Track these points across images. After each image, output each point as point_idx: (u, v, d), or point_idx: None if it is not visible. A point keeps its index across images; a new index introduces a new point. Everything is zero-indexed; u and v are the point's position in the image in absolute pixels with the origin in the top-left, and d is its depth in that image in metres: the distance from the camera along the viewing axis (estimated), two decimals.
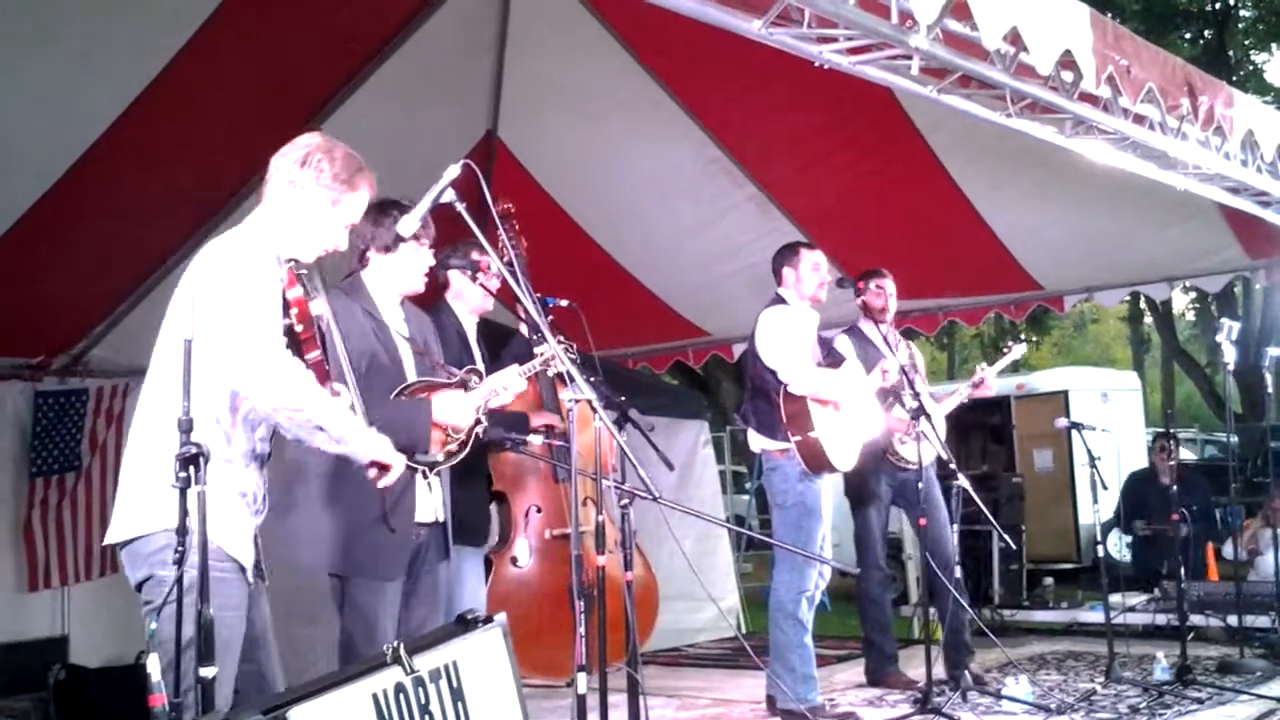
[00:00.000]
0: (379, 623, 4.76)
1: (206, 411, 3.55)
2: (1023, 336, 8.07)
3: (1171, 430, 9.63)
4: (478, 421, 5.03)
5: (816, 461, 6.57)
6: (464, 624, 3.49)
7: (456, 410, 4.96)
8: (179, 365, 3.46)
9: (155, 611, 3.51)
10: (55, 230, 6.92)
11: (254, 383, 3.57)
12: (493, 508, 6.33)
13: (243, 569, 3.66)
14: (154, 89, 6.31)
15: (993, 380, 7.81)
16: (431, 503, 5.00)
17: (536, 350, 5.31)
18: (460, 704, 3.27)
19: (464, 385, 5.10)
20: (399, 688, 3.09)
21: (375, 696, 3.01)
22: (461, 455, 5.03)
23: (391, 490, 4.44)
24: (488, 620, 3.52)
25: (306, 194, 3.77)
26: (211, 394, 3.59)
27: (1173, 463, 8.70)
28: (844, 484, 7.49)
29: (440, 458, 4.95)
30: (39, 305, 7.57)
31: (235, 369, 3.57)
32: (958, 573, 7.07)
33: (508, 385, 5.15)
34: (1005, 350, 8.12)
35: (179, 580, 3.35)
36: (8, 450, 8.19)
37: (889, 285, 7.51)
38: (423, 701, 3.15)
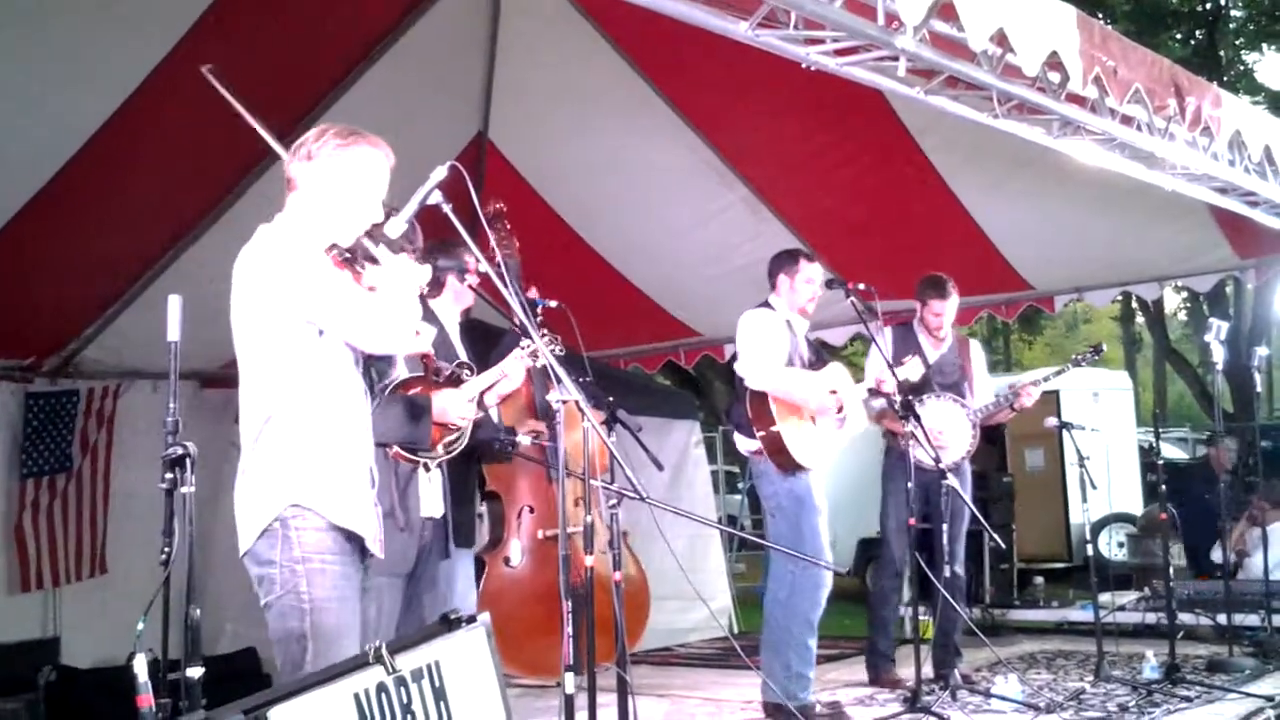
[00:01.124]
0: (386, 620, 4.78)
1: (308, 388, 3.65)
2: (1105, 349, 7.99)
3: (1161, 430, 9.63)
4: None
5: (780, 456, 6.58)
6: (447, 623, 3.49)
7: (456, 408, 5.02)
8: (251, 370, 3.65)
9: (265, 609, 3.61)
10: (45, 232, 6.92)
11: (357, 331, 3.69)
12: (485, 508, 6.35)
13: (354, 541, 3.71)
14: (142, 92, 6.31)
15: (1035, 394, 7.83)
16: (433, 496, 5.04)
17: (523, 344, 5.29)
18: (443, 704, 3.27)
19: (457, 380, 5.13)
20: (380, 687, 3.09)
21: (357, 696, 3.01)
22: (460, 446, 5.07)
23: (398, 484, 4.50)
24: (471, 620, 3.52)
25: (311, 179, 3.79)
26: (314, 369, 3.67)
27: (1227, 462, 8.70)
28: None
29: (440, 450, 5.00)
30: (29, 306, 7.57)
31: (340, 330, 3.68)
32: (947, 573, 7.07)
33: (509, 372, 5.18)
34: (1079, 357, 8.08)
35: (166, 581, 3.37)
36: None
37: (945, 306, 7.66)
38: (405, 701, 3.14)
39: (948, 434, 7.42)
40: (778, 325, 6.80)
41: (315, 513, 3.59)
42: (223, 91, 4.15)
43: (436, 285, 5.61)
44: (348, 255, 3.75)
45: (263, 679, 8.17)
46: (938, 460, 6.69)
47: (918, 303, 7.71)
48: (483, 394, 5.18)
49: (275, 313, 3.62)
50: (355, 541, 3.71)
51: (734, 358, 6.99)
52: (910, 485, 6.76)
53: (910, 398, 6.82)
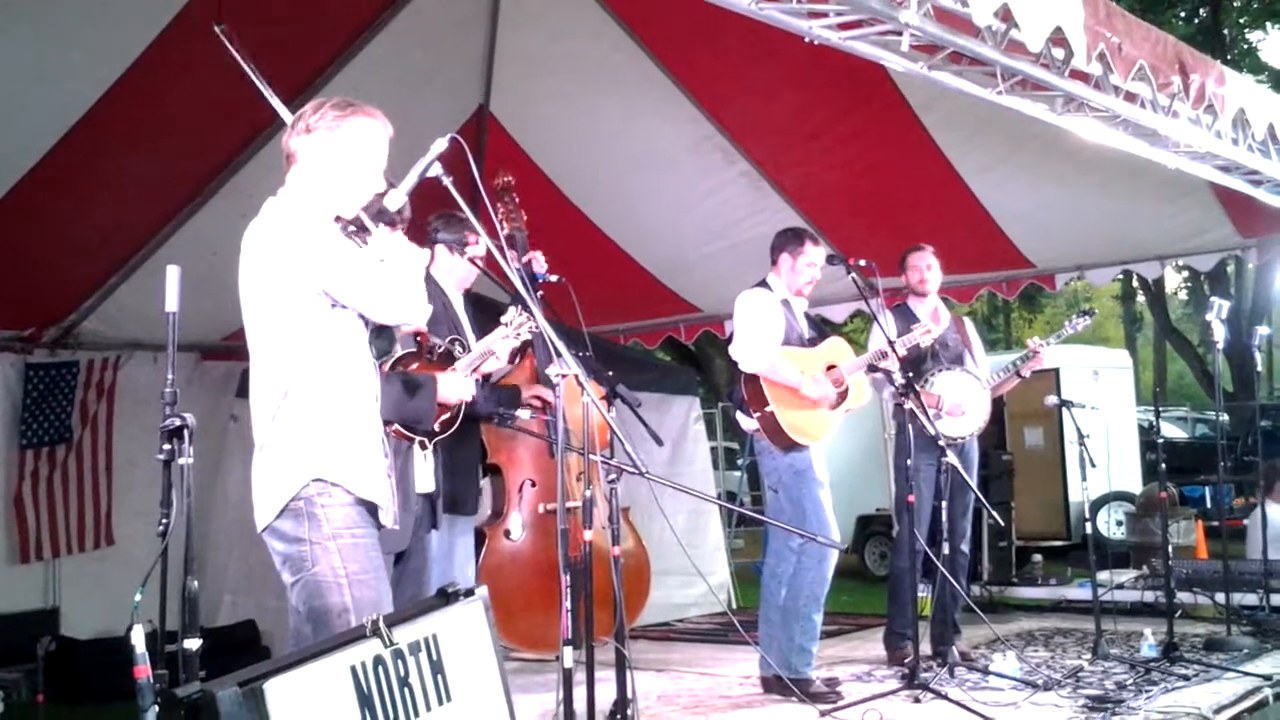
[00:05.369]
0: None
1: (324, 361, 3.66)
2: (1093, 308, 8.09)
3: (1161, 409, 9.57)
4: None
5: (776, 436, 6.58)
6: (444, 597, 3.49)
7: (458, 389, 5.05)
8: (265, 345, 3.65)
9: (291, 586, 3.63)
10: (46, 203, 6.92)
11: (370, 299, 3.70)
12: (487, 481, 6.35)
13: (373, 513, 3.75)
14: (143, 63, 6.30)
15: (1047, 354, 7.81)
16: (426, 473, 5.05)
17: (503, 321, 5.26)
18: (440, 677, 3.27)
19: (449, 355, 5.14)
20: (378, 660, 3.08)
21: (354, 669, 3.00)
22: (456, 425, 5.08)
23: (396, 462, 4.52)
24: (468, 593, 3.52)
25: (311, 152, 3.80)
26: (328, 342, 3.68)
27: None
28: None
29: (436, 429, 5.01)
30: (29, 277, 7.57)
31: (354, 298, 3.69)
32: (946, 549, 7.07)
33: (496, 347, 5.18)
34: (1069, 322, 8.04)
35: (164, 552, 3.37)
36: None
37: (923, 258, 7.64)
38: (402, 674, 3.14)
39: (967, 404, 7.43)
40: (773, 306, 6.78)
41: (341, 488, 3.62)
42: (232, 50, 4.14)
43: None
44: (352, 228, 3.76)
45: (262, 650, 8.20)
46: (937, 436, 6.68)
47: (902, 275, 7.69)
48: (474, 370, 5.18)
49: (289, 285, 3.62)
50: (374, 513, 3.75)
51: (733, 336, 6.98)
52: (909, 462, 6.75)
53: (911, 375, 6.81)
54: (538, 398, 5.98)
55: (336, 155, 3.79)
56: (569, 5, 7.71)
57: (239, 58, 4.10)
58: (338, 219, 3.76)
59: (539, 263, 5.90)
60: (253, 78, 4.04)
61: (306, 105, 3.89)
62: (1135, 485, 14.43)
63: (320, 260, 3.61)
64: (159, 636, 3.38)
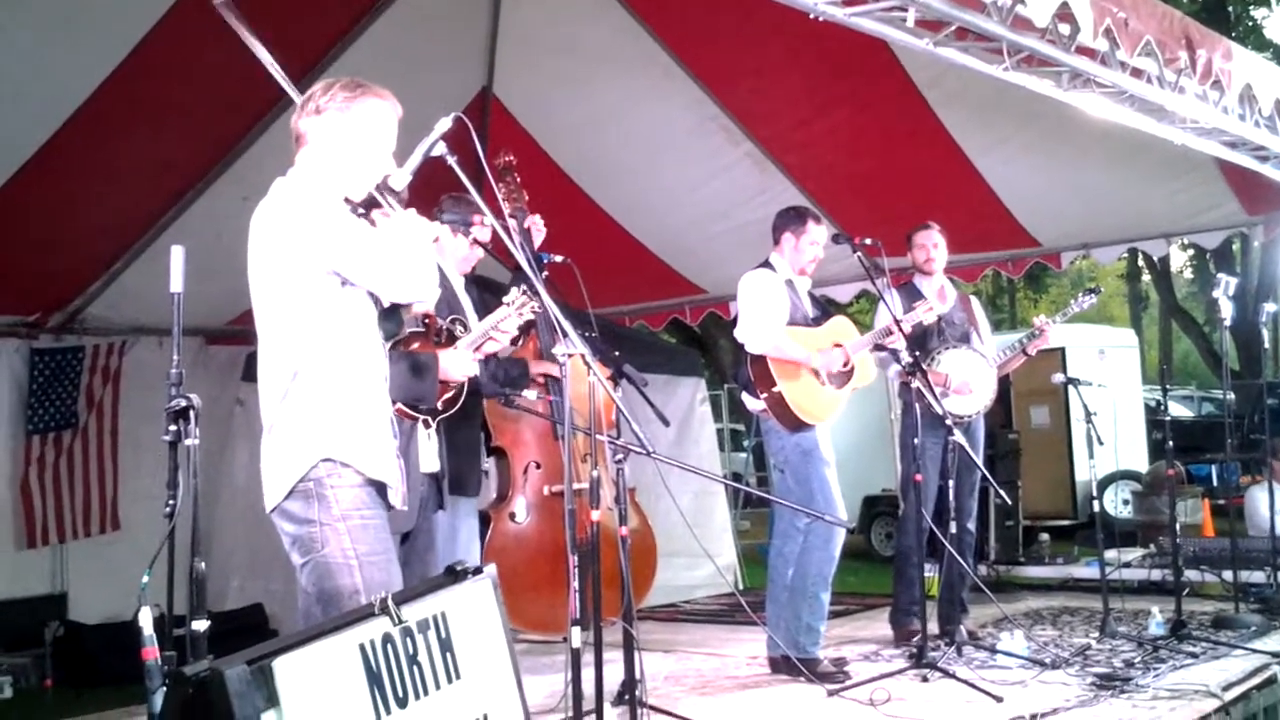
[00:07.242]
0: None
1: (333, 341, 3.65)
2: (1098, 286, 8.07)
3: (1167, 387, 9.57)
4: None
5: (784, 416, 6.58)
6: (453, 575, 3.48)
7: (461, 366, 5.05)
8: (274, 326, 3.63)
9: (301, 568, 3.62)
10: (49, 188, 6.90)
11: (381, 277, 3.69)
12: (492, 463, 6.34)
13: (382, 494, 3.74)
14: (144, 49, 6.28)
15: (1053, 332, 7.80)
16: (430, 452, 5.05)
17: (505, 300, 5.25)
18: (449, 655, 3.26)
19: (451, 335, 5.14)
20: (386, 638, 3.07)
21: (362, 646, 2.99)
22: (459, 403, 5.08)
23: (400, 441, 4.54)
24: (477, 571, 3.51)
25: (321, 133, 3.78)
26: (337, 322, 3.66)
27: None
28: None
29: (439, 407, 5.01)
30: (35, 263, 7.57)
31: (365, 277, 3.67)
32: (953, 528, 7.05)
33: (502, 326, 5.17)
34: (1075, 300, 8.04)
35: (171, 534, 3.37)
36: (4, 408, 8.24)
37: (929, 237, 7.67)
38: (411, 652, 3.13)
39: (974, 382, 7.42)
40: (777, 286, 6.77)
41: (352, 468, 3.61)
42: (235, 25, 4.10)
43: None
44: (361, 209, 3.75)
45: (270, 634, 8.21)
46: (945, 415, 6.66)
47: (909, 254, 7.70)
48: (476, 349, 5.18)
49: (299, 265, 3.60)
50: (383, 494, 3.74)
51: (738, 317, 6.96)
52: (916, 441, 6.74)
53: (918, 354, 6.80)
54: (544, 374, 5.98)
55: (347, 136, 3.77)
56: None
57: (241, 31, 4.05)
58: (347, 200, 3.75)
59: (537, 228, 5.91)
60: (256, 51, 3.99)
61: (316, 85, 3.86)
62: (1142, 464, 14.44)
63: (330, 239, 3.59)
64: (166, 620, 3.36)
